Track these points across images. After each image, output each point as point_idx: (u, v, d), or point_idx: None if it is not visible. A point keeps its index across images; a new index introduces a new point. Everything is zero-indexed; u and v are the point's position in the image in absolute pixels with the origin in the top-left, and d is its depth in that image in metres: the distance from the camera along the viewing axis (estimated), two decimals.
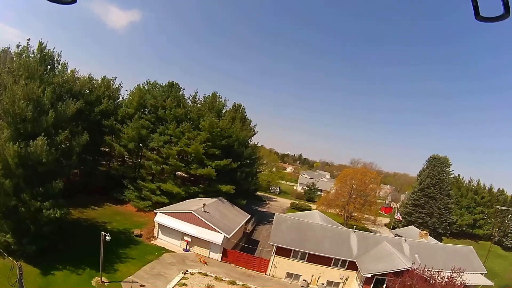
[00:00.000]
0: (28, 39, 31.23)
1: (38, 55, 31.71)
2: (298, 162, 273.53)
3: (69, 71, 49.47)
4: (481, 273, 40.39)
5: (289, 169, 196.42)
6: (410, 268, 30.76)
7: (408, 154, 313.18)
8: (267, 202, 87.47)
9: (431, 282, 27.19)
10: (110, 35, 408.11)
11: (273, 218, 61.58)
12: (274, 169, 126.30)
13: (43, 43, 32.23)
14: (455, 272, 27.72)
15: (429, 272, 28.77)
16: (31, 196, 27.56)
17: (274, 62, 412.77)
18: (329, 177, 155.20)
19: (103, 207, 49.89)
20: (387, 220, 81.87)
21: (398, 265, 33.06)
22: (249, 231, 54.55)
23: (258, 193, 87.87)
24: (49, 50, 33.15)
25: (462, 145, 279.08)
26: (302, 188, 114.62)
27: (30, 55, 31.19)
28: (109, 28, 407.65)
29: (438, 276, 27.41)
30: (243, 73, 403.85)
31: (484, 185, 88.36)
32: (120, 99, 61.29)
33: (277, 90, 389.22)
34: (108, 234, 27.05)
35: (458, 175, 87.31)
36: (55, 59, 34.54)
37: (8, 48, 45.97)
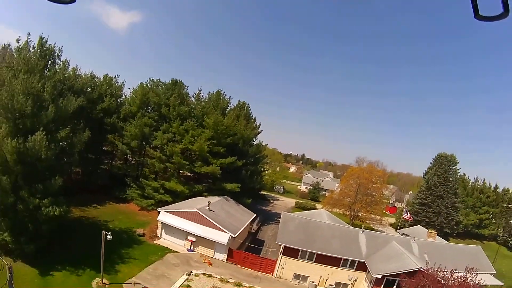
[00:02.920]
0: (29, 34, 30.34)
1: (39, 50, 30.81)
2: (301, 162, 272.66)
3: (70, 68, 48.86)
4: (490, 273, 39.45)
5: (292, 168, 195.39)
6: (422, 269, 29.82)
7: (410, 154, 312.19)
8: (272, 201, 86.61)
9: (443, 282, 26.12)
10: (111, 36, 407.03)
11: (278, 217, 61.14)
12: (277, 168, 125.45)
13: (43, 37, 31.33)
14: (468, 272, 26.74)
15: (441, 272, 27.75)
16: (29, 193, 26.63)
17: (275, 64, 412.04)
18: (332, 176, 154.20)
19: (105, 206, 48.87)
20: (392, 220, 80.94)
21: (409, 265, 32.06)
22: (254, 231, 53.58)
23: (263, 192, 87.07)
24: (50, 45, 32.24)
25: (465, 145, 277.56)
26: (306, 187, 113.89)
27: (31, 50, 30.26)
28: (110, 29, 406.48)
29: (451, 276, 26.36)
30: (244, 75, 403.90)
31: (489, 184, 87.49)
32: (123, 97, 60.40)
33: (278, 92, 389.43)
34: (110, 233, 25.98)
35: (464, 174, 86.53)
36: (56, 54, 33.54)
37: (9, 45, 45.14)
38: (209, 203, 41.25)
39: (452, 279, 25.78)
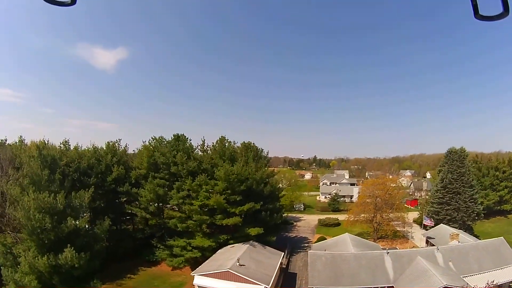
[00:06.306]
0: (23, 138, 33.16)
1: (39, 160, 32.45)
2: (314, 164, 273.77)
3: (72, 147, 51.27)
4: None
5: (307, 175, 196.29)
6: (447, 286, 31.64)
7: (419, 133, 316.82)
8: (294, 223, 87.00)
9: None
10: (101, 77, 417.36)
11: (305, 243, 63.75)
12: (293, 180, 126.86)
13: (39, 145, 34.06)
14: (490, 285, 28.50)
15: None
16: None
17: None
18: (348, 177, 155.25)
19: (139, 273, 50.57)
20: (415, 214, 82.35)
21: (435, 283, 33.68)
22: (284, 266, 54.99)
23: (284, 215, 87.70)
24: (48, 146, 34.61)
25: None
26: (325, 197, 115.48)
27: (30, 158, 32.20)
28: (99, 70, 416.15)
29: None
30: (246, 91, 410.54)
31: (503, 159, 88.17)
32: (129, 158, 62.89)
33: (276, 97, 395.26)
34: None
35: (476, 155, 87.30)
36: (56, 158, 35.75)
37: (5, 141, 47.42)
38: (238, 259, 43.04)
39: None
